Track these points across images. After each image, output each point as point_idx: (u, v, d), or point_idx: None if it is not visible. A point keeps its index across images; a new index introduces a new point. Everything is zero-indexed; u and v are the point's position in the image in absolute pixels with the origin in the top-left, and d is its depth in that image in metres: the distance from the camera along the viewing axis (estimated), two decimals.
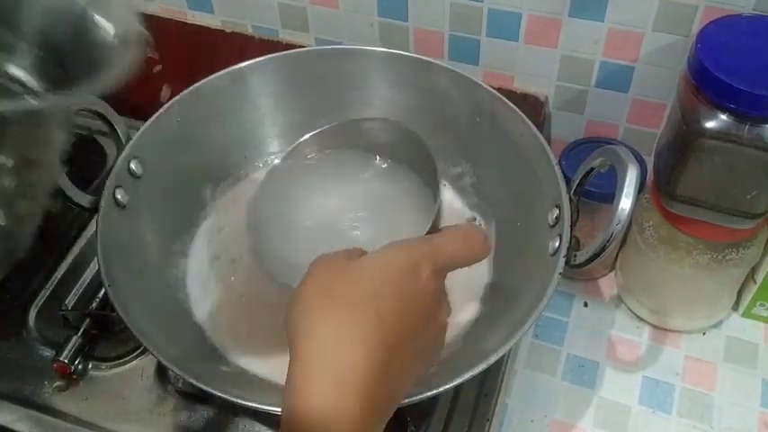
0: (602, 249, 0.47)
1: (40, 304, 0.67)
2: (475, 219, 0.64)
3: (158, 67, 0.81)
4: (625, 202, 0.46)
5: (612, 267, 0.72)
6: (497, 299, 0.57)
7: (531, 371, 0.66)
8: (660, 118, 0.66)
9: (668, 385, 0.64)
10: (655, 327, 0.68)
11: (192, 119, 0.62)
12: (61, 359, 0.60)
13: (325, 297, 0.38)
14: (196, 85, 0.62)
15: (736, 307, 0.68)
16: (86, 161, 0.76)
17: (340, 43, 0.73)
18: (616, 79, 0.65)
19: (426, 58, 0.62)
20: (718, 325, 0.68)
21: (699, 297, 0.65)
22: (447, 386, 0.46)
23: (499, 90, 0.60)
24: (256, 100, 0.65)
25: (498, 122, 0.60)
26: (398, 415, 0.56)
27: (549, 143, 0.56)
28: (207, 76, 0.62)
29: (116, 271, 0.52)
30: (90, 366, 0.62)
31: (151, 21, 0.78)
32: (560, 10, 0.62)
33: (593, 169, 0.51)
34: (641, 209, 0.64)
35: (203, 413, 0.59)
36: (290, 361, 0.36)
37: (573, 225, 0.51)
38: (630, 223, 0.65)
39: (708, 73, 0.50)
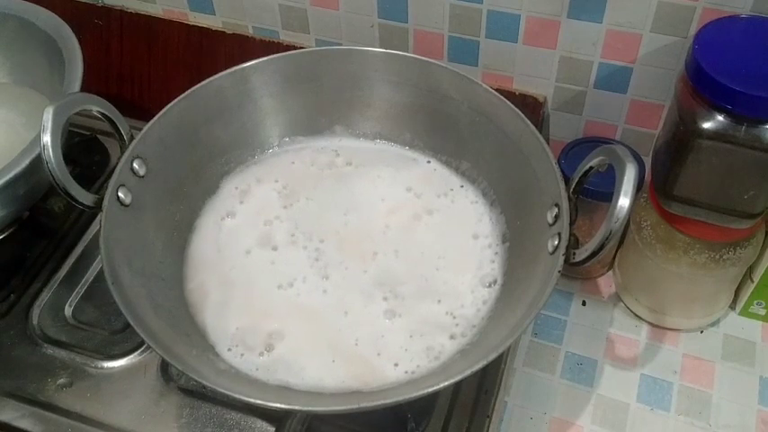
0: (601, 247, 0.48)
1: (43, 303, 0.67)
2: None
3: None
4: (623, 201, 0.46)
5: (611, 266, 0.72)
6: (497, 297, 0.58)
7: (531, 369, 0.66)
8: (658, 119, 0.67)
9: (666, 383, 0.65)
10: (653, 325, 0.68)
11: (194, 119, 0.62)
12: None
13: None
14: (198, 85, 0.62)
15: (733, 306, 0.69)
16: (90, 161, 0.77)
17: (340, 44, 0.74)
18: (614, 80, 0.66)
19: (426, 59, 0.63)
20: (715, 323, 0.68)
21: (696, 296, 0.65)
22: (447, 383, 0.46)
23: (498, 91, 0.60)
24: (258, 100, 0.65)
25: (498, 122, 0.60)
26: (399, 412, 0.57)
27: (548, 143, 0.57)
28: (208, 76, 0.63)
29: (119, 269, 0.53)
30: (93, 364, 0.63)
31: (153, 22, 0.79)
32: (559, 11, 0.62)
33: (591, 168, 0.51)
34: (639, 208, 0.64)
35: (206, 410, 0.59)
36: None
37: (572, 223, 0.51)
38: (629, 222, 0.65)
39: (705, 74, 0.50)
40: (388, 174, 0.66)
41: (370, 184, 0.65)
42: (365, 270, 0.60)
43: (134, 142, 0.58)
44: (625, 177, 0.46)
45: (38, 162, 0.57)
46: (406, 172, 0.66)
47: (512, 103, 0.59)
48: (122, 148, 0.58)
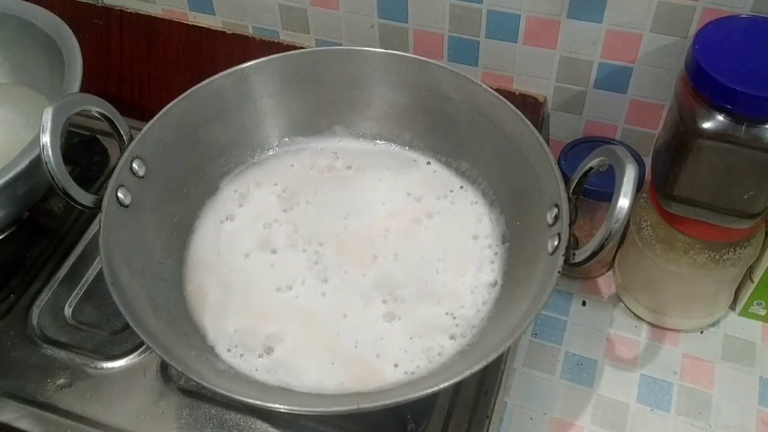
0: (601, 248, 0.48)
1: (43, 303, 0.67)
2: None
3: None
4: (623, 201, 0.46)
5: (611, 266, 0.72)
6: (497, 297, 0.58)
7: (530, 369, 0.66)
8: (658, 118, 0.67)
9: (666, 383, 0.65)
10: (653, 325, 0.68)
11: (193, 119, 0.62)
12: None
13: None
14: (198, 85, 0.62)
15: (733, 306, 0.69)
16: (89, 161, 0.77)
17: (340, 44, 0.74)
18: (614, 80, 0.65)
19: (426, 59, 0.63)
20: (715, 324, 0.68)
21: (696, 296, 0.65)
22: (447, 384, 0.46)
23: (498, 91, 0.60)
24: (258, 100, 0.65)
25: (497, 122, 0.60)
26: (399, 413, 0.57)
27: (548, 143, 0.57)
28: (208, 76, 0.63)
29: (118, 270, 0.53)
30: (92, 364, 0.63)
31: (153, 22, 0.79)
32: (559, 11, 0.62)
33: (591, 168, 0.51)
34: (639, 208, 0.64)
35: (205, 410, 0.59)
36: None
37: (572, 224, 0.51)
38: (629, 222, 0.65)
39: (705, 74, 0.50)
40: (389, 177, 0.66)
41: (370, 187, 0.65)
42: (364, 274, 0.60)
43: (133, 143, 0.58)
44: (625, 178, 0.46)
45: (37, 162, 0.57)
46: (406, 176, 0.66)
47: (512, 103, 0.59)
48: (122, 149, 0.58)
